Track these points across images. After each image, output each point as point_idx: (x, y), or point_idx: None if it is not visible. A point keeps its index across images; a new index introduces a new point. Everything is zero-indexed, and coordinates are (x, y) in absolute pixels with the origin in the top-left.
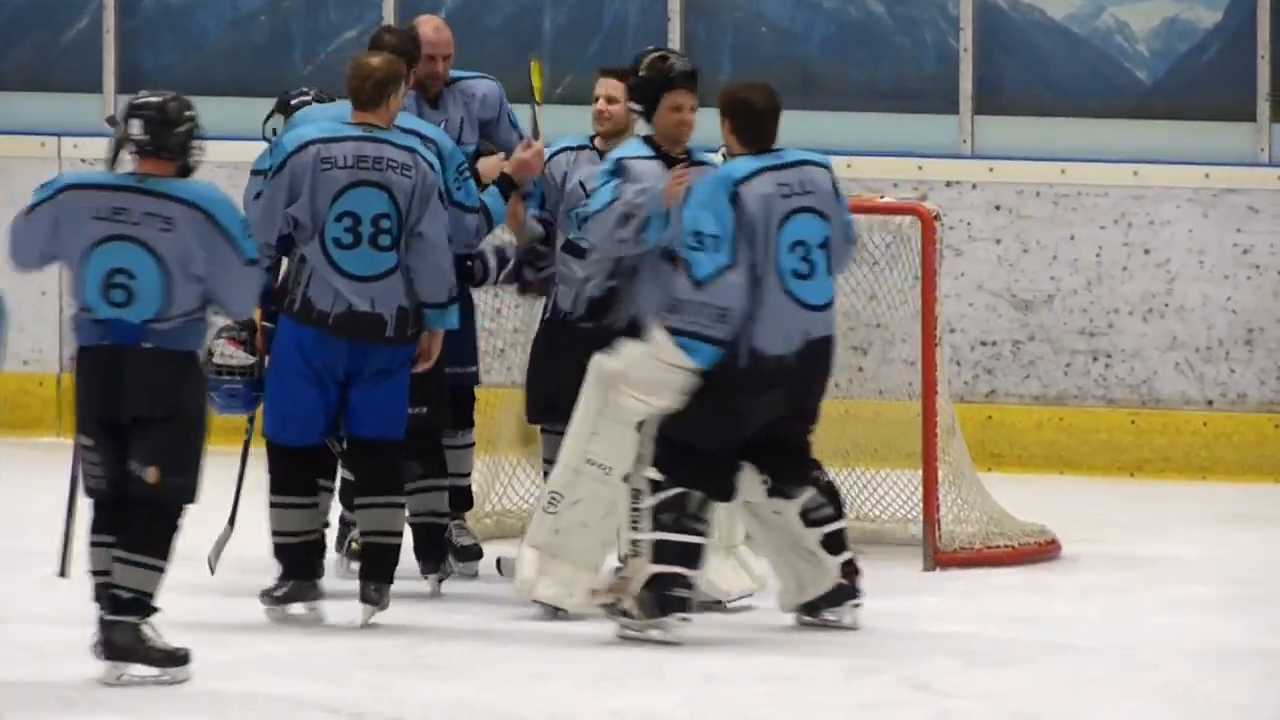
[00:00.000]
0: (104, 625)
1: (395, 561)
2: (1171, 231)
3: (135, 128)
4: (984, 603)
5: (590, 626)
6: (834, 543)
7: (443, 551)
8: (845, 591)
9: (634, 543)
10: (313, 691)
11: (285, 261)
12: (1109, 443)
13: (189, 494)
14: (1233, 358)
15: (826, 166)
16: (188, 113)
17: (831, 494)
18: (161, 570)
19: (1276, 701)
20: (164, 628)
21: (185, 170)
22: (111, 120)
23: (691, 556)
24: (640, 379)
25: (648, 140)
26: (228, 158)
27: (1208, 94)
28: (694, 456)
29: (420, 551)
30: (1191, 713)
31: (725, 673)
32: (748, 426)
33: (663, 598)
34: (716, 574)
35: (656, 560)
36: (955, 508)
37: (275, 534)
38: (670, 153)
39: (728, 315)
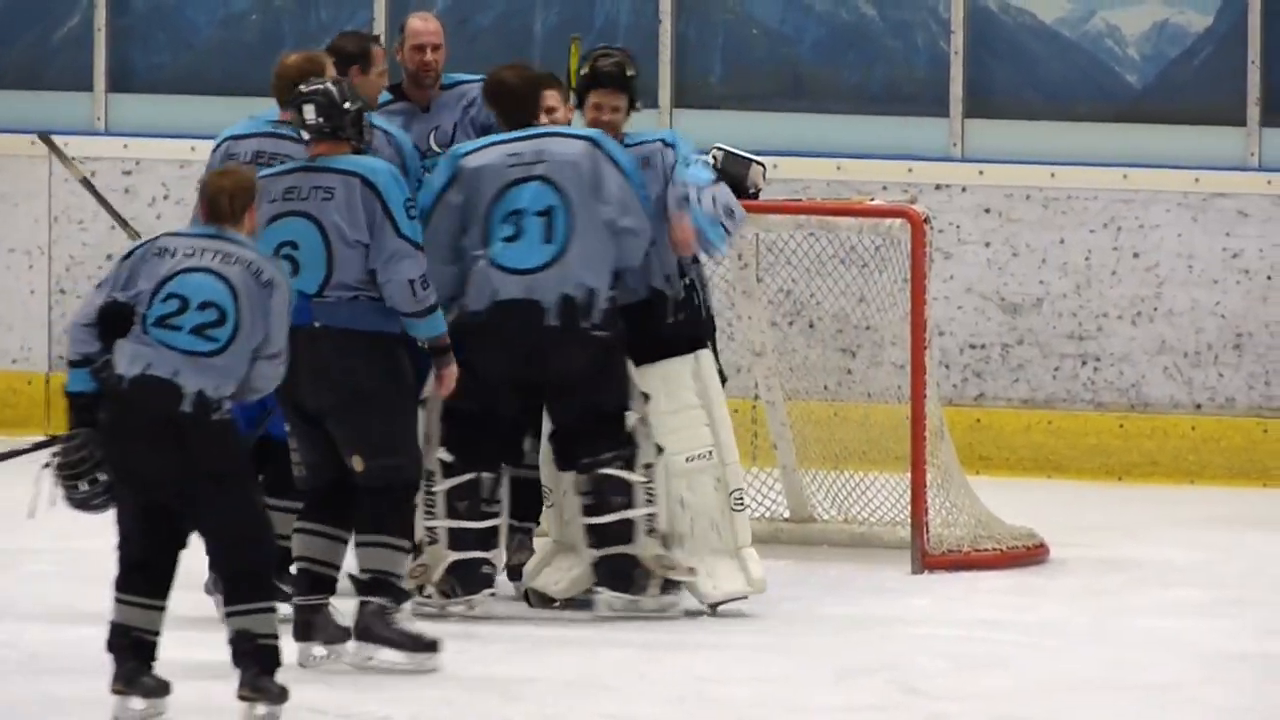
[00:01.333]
0: (301, 609)
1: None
2: (1161, 235)
3: (309, 113)
4: (972, 606)
5: (578, 630)
6: (594, 535)
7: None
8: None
9: (429, 529)
10: (299, 691)
11: None
12: (1097, 446)
13: (404, 472)
14: (1221, 362)
15: (590, 139)
16: (353, 92)
17: (611, 486)
18: (402, 549)
19: (1265, 705)
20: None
21: (358, 150)
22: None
23: (487, 540)
24: None
25: None
26: None
27: (1198, 98)
28: (472, 429)
29: None
30: (1179, 716)
31: (714, 674)
32: (491, 385)
33: (465, 578)
34: (711, 574)
35: (454, 547)
36: (943, 511)
37: None
38: None
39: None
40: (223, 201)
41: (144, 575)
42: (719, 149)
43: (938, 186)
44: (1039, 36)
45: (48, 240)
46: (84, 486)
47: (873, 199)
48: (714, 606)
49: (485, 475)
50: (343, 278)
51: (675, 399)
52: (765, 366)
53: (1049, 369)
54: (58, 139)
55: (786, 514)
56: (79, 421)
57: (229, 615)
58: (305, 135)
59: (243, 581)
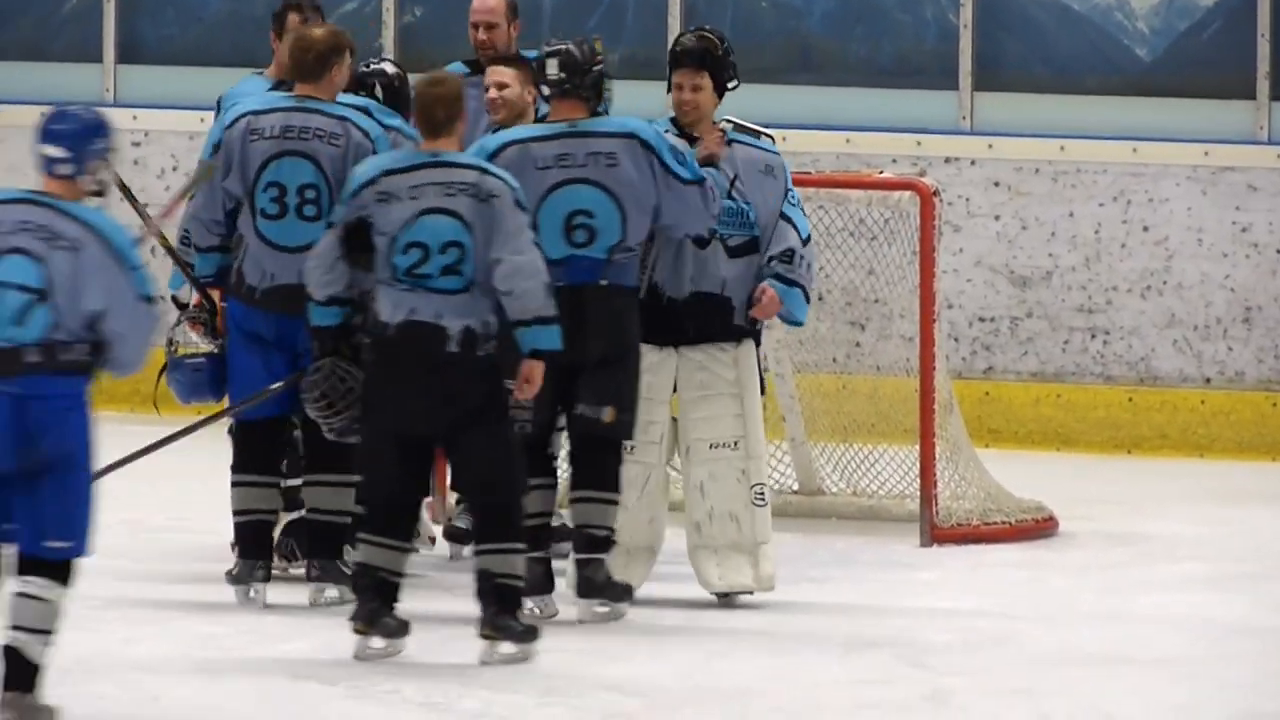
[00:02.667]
0: (580, 564)
1: (343, 539)
2: (1170, 209)
3: (552, 67)
4: (980, 579)
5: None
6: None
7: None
8: None
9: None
10: (308, 663)
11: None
12: (1106, 420)
13: (631, 429)
14: (1231, 336)
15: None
16: (598, 55)
17: None
18: (617, 503)
19: (1272, 679)
20: (164, 605)
21: (593, 112)
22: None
23: None
24: None
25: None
26: None
27: (1207, 72)
28: None
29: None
30: (1186, 690)
31: (722, 649)
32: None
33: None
34: (720, 564)
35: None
36: (952, 484)
37: (234, 513)
38: (688, 132)
39: None
40: (438, 113)
41: (392, 517)
42: (728, 121)
43: (947, 160)
44: (1048, 10)
45: None
46: (342, 417)
47: (881, 172)
48: (720, 596)
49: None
50: (630, 241)
51: (709, 385)
52: (774, 339)
53: (1058, 342)
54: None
55: (795, 487)
56: (323, 352)
57: (477, 554)
58: (546, 91)
59: (490, 519)
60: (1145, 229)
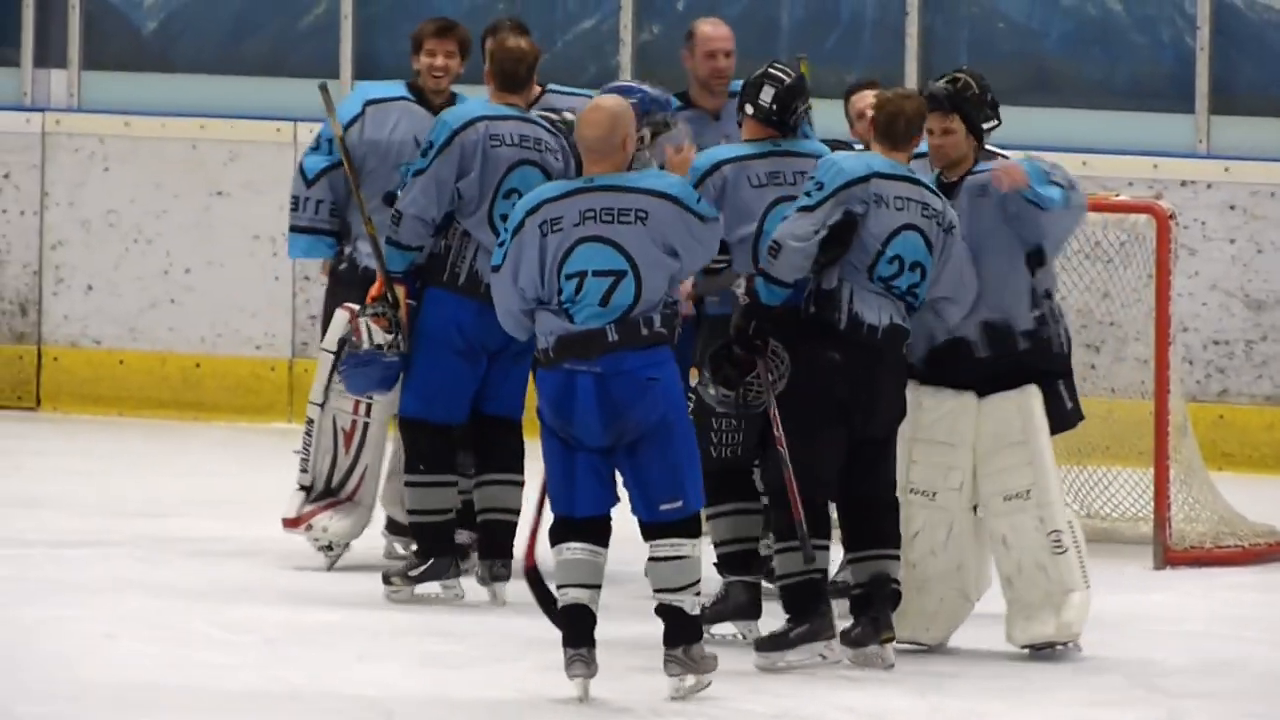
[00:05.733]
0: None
1: (513, 536)
2: None
3: (766, 95)
4: (1214, 602)
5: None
6: None
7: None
8: None
9: None
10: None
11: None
12: None
13: None
14: None
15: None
16: (804, 90)
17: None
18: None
19: None
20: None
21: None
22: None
23: None
24: None
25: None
26: None
27: None
28: None
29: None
30: None
31: (952, 671)
32: None
33: None
34: (1029, 617)
35: None
36: (1186, 506)
37: (414, 512)
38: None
39: None
40: (899, 125)
41: (824, 517)
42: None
43: (1183, 183)
44: None
45: None
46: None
47: (1118, 194)
48: (1026, 648)
49: None
50: None
51: (999, 437)
52: None
53: None
54: (303, 125)
55: None
56: (764, 332)
57: (865, 559)
58: (750, 111)
59: (889, 520)
60: None
